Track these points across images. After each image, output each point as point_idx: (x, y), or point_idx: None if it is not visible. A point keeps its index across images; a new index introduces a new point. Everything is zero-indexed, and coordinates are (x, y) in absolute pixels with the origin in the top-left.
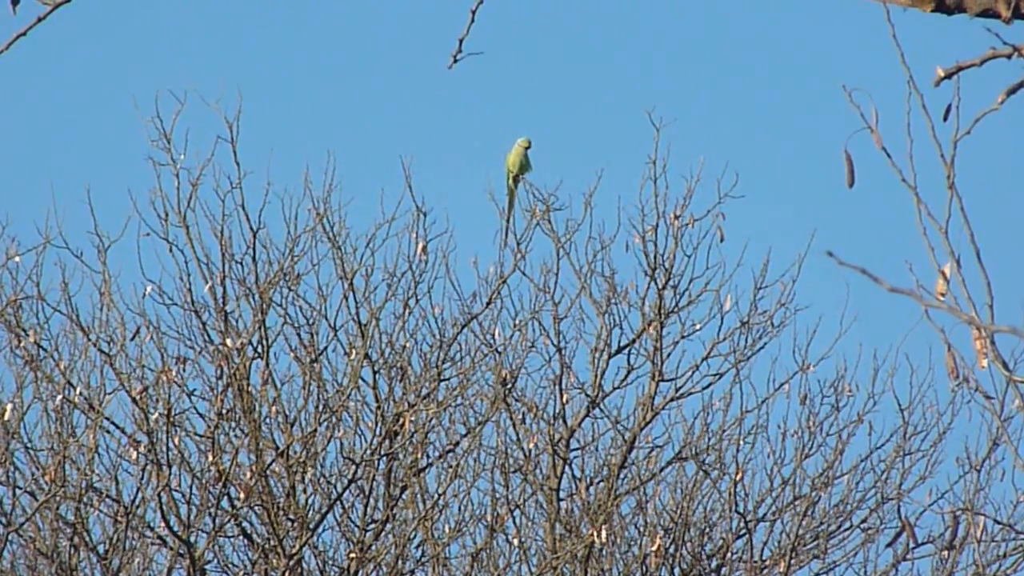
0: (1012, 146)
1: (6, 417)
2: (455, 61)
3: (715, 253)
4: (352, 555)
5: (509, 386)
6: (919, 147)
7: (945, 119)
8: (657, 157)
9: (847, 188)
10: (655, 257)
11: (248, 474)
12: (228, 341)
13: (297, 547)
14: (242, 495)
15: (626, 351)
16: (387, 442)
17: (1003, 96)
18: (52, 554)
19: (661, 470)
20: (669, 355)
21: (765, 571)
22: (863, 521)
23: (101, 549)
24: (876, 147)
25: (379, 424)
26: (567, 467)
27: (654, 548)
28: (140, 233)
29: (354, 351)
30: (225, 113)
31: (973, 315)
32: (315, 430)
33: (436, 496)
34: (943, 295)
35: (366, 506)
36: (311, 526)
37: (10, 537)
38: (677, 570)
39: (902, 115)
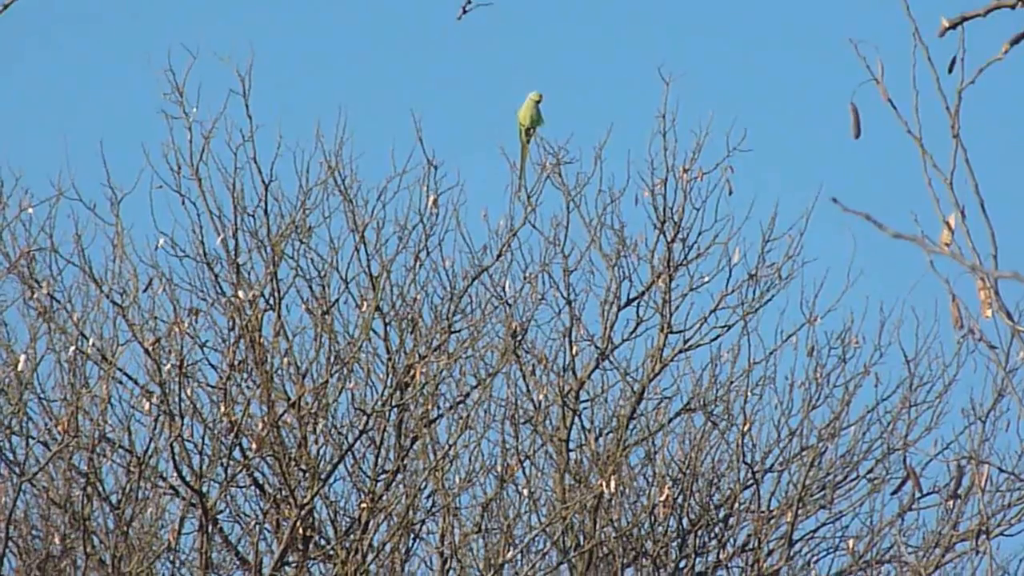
0: (1017, 96)
1: (20, 368)
2: (464, 12)
3: (723, 206)
4: (363, 505)
5: (519, 338)
6: (924, 98)
7: (950, 71)
8: (666, 111)
9: (853, 140)
10: (664, 210)
11: (260, 425)
12: (240, 293)
13: (309, 497)
14: (254, 445)
15: (635, 303)
16: (398, 393)
17: (1007, 46)
18: (65, 504)
19: (670, 421)
20: (678, 307)
21: (772, 521)
22: (869, 471)
23: (114, 499)
24: (882, 99)
25: (390, 375)
26: (576, 418)
27: (662, 498)
28: (153, 186)
29: (365, 303)
30: (237, 67)
31: (976, 261)
32: (327, 381)
33: (447, 447)
34: (948, 245)
35: (377, 457)
36: (322, 476)
37: (23, 487)
38: (685, 520)
39: (907, 67)
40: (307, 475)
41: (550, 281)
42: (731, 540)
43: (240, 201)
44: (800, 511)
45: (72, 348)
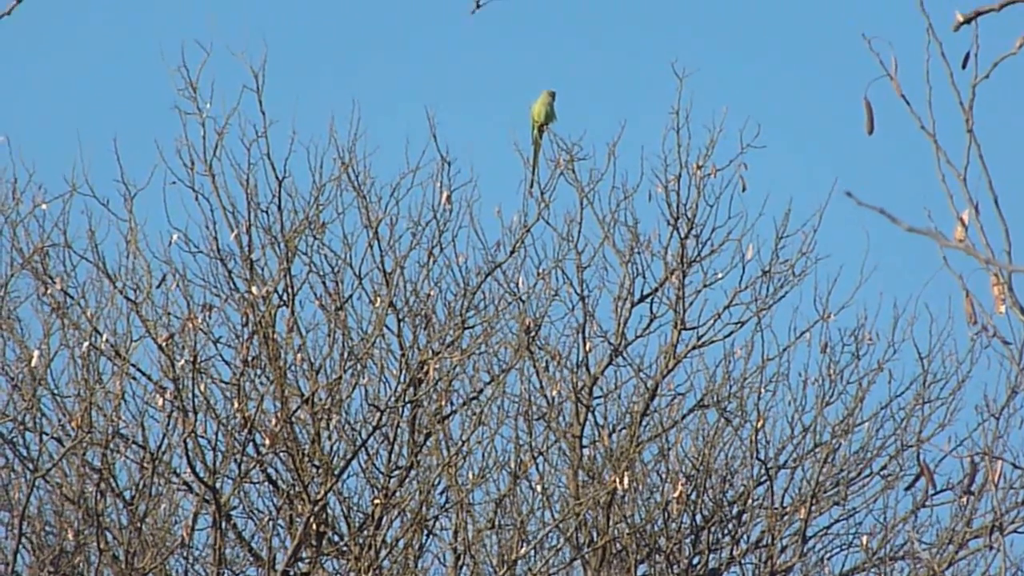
0: None
1: (34, 363)
2: (478, 6)
3: (737, 203)
4: (376, 501)
5: (533, 334)
6: (938, 94)
7: (964, 67)
8: (680, 107)
9: (867, 135)
10: (678, 207)
11: (274, 421)
12: (254, 289)
13: (322, 493)
14: (267, 441)
15: (649, 300)
16: (411, 389)
17: (1021, 40)
18: (79, 499)
19: (683, 417)
20: (691, 304)
21: (786, 517)
22: (883, 468)
23: (127, 495)
24: (896, 94)
25: (403, 371)
26: (590, 414)
27: (676, 494)
28: (166, 182)
29: (379, 299)
30: (251, 63)
31: (989, 255)
32: (340, 377)
33: (460, 443)
34: (962, 241)
35: (390, 453)
36: (336, 472)
37: (37, 482)
38: (699, 516)
39: (921, 62)
40: (320, 471)
41: (563, 277)
42: (744, 536)
43: (254, 197)
44: (814, 507)
45: (86, 344)
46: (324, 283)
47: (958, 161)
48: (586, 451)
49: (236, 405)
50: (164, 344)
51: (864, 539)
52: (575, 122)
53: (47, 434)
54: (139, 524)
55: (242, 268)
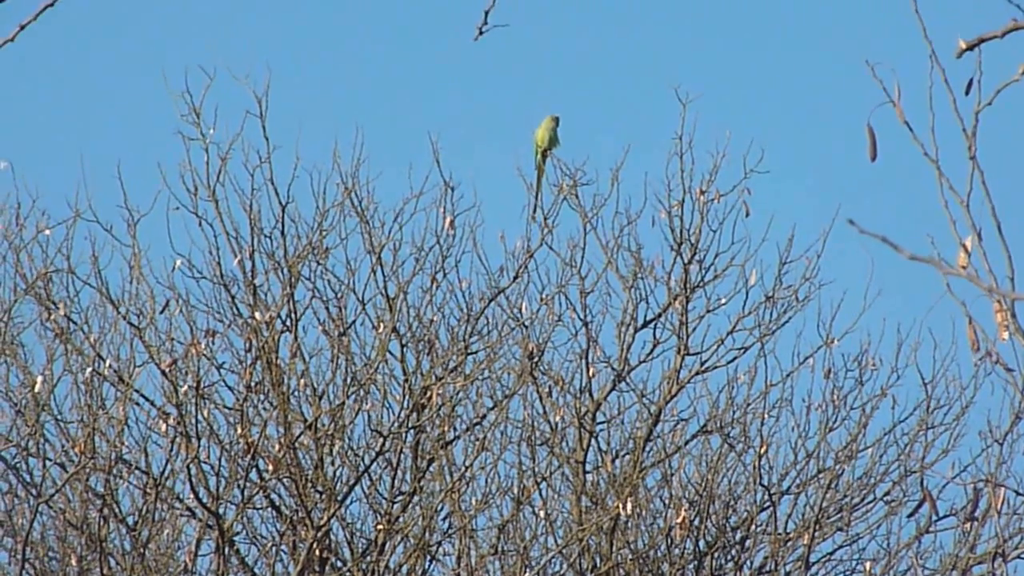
0: None
1: (37, 389)
2: (480, 33)
3: (740, 228)
4: (380, 527)
5: (536, 360)
6: (941, 120)
7: (967, 93)
8: (683, 132)
9: (870, 162)
10: (681, 232)
11: (277, 446)
12: (257, 314)
13: (325, 519)
14: (270, 467)
15: (652, 325)
16: (415, 415)
17: (1023, 68)
18: (82, 525)
19: (686, 443)
20: (695, 329)
21: (789, 543)
22: (886, 494)
23: (130, 520)
24: (899, 121)
25: (407, 397)
26: (593, 440)
27: (679, 520)
28: (170, 207)
29: (382, 324)
30: (254, 88)
31: (992, 283)
32: (343, 403)
33: (463, 469)
34: (964, 267)
35: (394, 478)
36: (339, 498)
37: (40, 508)
38: (702, 542)
39: (924, 88)
40: (324, 497)
41: (567, 303)
42: (748, 562)
43: (257, 222)
44: (817, 533)
45: (89, 369)
46: (327, 308)
47: (961, 187)
48: (589, 477)
49: (239, 431)
50: (167, 370)
51: (867, 565)
52: (578, 147)
53: (50, 460)
54: (142, 550)
55: (245, 294)
